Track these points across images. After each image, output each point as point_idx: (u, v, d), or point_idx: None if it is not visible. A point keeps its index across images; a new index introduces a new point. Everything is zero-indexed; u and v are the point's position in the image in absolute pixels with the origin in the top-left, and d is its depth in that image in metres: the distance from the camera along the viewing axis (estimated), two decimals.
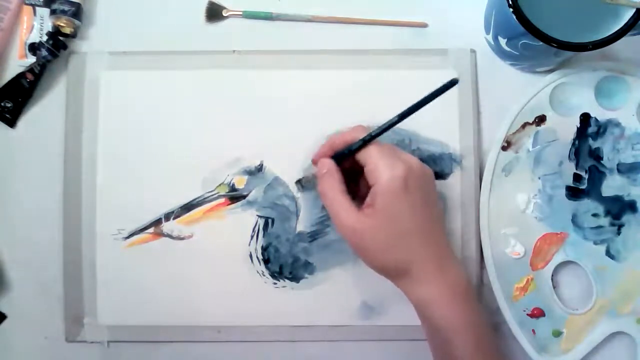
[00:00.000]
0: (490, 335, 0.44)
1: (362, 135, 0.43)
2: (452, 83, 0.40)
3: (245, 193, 0.51)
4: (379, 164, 0.41)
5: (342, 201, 0.42)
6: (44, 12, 0.52)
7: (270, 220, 0.51)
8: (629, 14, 0.43)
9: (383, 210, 0.41)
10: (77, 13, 0.51)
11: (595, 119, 0.51)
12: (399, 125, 0.51)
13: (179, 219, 0.51)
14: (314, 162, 0.46)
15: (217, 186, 0.51)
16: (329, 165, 0.44)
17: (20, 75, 0.51)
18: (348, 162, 0.44)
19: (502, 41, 0.49)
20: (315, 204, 0.51)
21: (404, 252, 0.41)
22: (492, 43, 0.51)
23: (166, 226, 0.51)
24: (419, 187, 0.41)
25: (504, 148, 0.51)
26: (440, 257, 0.42)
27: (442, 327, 0.41)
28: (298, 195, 0.51)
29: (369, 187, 0.43)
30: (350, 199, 0.42)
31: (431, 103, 0.51)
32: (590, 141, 0.51)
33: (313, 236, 0.51)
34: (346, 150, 0.43)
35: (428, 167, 0.44)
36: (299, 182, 0.49)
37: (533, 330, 0.50)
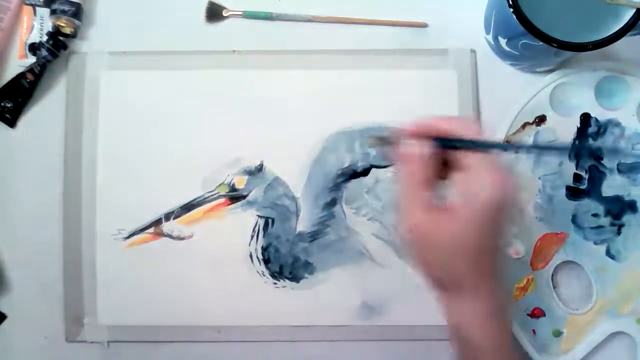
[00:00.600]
0: (519, 355, 0.43)
1: (473, 130, 0.38)
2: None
3: (245, 193, 0.51)
4: (486, 178, 0.36)
5: (418, 194, 0.38)
6: (44, 12, 0.52)
7: (270, 220, 0.51)
8: (629, 14, 0.43)
9: (471, 221, 0.37)
10: (77, 13, 0.51)
11: (596, 119, 0.51)
12: (400, 125, 0.51)
13: (179, 219, 0.51)
14: (405, 132, 0.40)
15: (217, 186, 0.51)
16: (426, 149, 0.38)
17: (20, 75, 0.51)
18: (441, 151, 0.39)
19: (502, 41, 0.49)
20: (315, 204, 0.51)
21: (468, 266, 0.38)
22: (492, 43, 0.51)
23: (166, 226, 0.51)
24: (507, 211, 0.38)
25: None
26: (490, 277, 0.39)
27: (482, 346, 0.39)
28: (298, 195, 0.51)
29: (441, 180, 0.39)
30: (427, 194, 0.38)
31: (431, 103, 0.51)
32: (591, 141, 0.51)
33: (313, 236, 0.51)
34: (457, 143, 0.38)
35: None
36: (379, 138, 0.42)
37: (533, 330, 0.50)
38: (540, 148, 0.38)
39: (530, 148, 0.39)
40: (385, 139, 0.41)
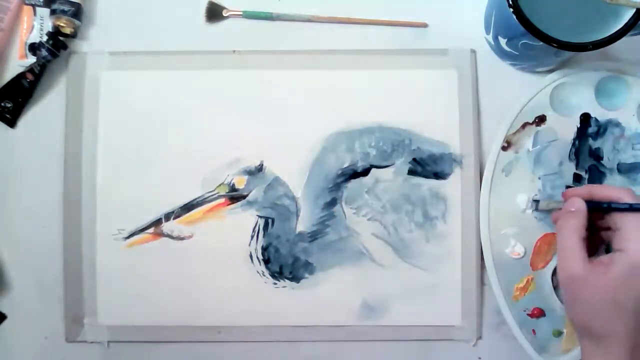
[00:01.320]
0: None
1: (627, 197, 0.43)
2: None
3: (245, 193, 0.51)
4: (635, 235, 0.41)
5: (579, 246, 0.42)
6: (44, 12, 0.52)
7: (270, 221, 0.51)
8: (629, 14, 0.43)
9: (617, 279, 0.41)
10: (77, 13, 0.51)
11: (596, 119, 0.51)
12: (400, 125, 0.51)
13: (179, 219, 0.51)
14: (566, 196, 0.46)
15: (217, 186, 0.51)
16: (579, 205, 0.44)
17: (20, 75, 0.51)
18: (595, 215, 0.44)
19: (502, 41, 0.49)
20: (315, 204, 0.51)
21: (611, 323, 0.41)
22: (492, 43, 0.51)
23: (166, 226, 0.51)
24: None
25: (504, 148, 0.51)
26: (636, 335, 0.41)
27: None
28: (298, 195, 0.51)
29: (596, 243, 0.44)
30: (584, 247, 0.42)
31: (431, 103, 0.51)
32: (591, 141, 0.51)
33: (313, 236, 0.51)
34: (605, 205, 0.43)
35: None
36: (537, 201, 0.49)
37: (533, 330, 0.50)
38: None
39: None
40: (544, 203, 0.49)
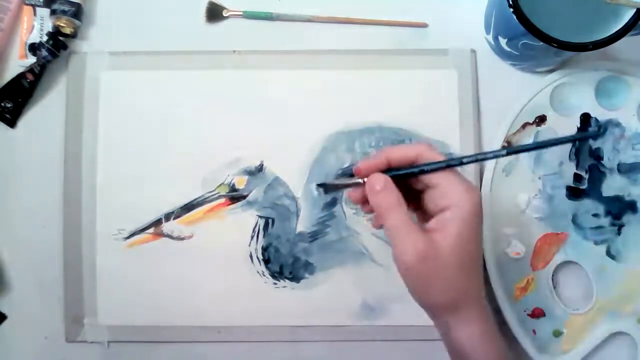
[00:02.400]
0: None
1: (428, 153, 0.38)
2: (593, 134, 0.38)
3: (245, 193, 0.51)
4: (456, 189, 0.37)
5: (407, 222, 0.37)
6: (44, 12, 0.52)
7: (270, 221, 0.51)
8: (629, 14, 0.43)
9: (457, 237, 0.37)
10: (77, 13, 0.51)
11: (596, 119, 0.51)
12: (400, 125, 0.51)
13: (179, 219, 0.51)
14: (359, 172, 0.40)
15: (217, 186, 0.51)
16: (385, 181, 0.38)
17: (21, 76, 0.51)
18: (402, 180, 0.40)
19: (503, 41, 0.49)
20: (315, 204, 0.51)
21: (462, 285, 0.38)
22: (493, 43, 0.51)
23: (166, 226, 0.51)
24: (481, 218, 0.38)
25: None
26: (482, 295, 0.39)
27: None
28: (298, 195, 0.51)
29: (416, 208, 0.40)
30: (413, 221, 0.38)
31: (431, 103, 0.51)
32: (591, 141, 0.51)
33: (313, 236, 0.51)
34: (416, 170, 0.39)
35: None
36: (322, 185, 0.42)
37: (533, 330, 0.50)
38: (478, 159, 0.39)
39: (509, 150, 0.40)
40: (330, 184, 0.43)
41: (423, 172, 0.38)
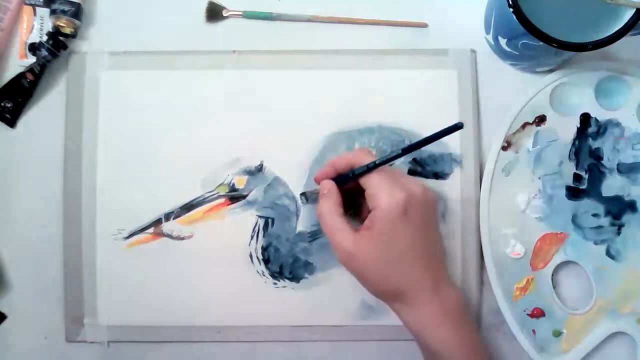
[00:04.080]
0: (486, 355, 0.44)
1: (366, 159, 0.43)
2: (457, 127, 0.40)
3: (245, 193, 0.51)
4: (378, 190, 0.42)
5: (339, 224, 0.42)
6: (44, 12, 0.52)
7: (270, 220, 0.51)
8: (629, 14, 0.43)
9: (380, 234, 0.41)
10: (77, 13, 0.51)
11: (595, 119, 0.51)
12: (400, 125, 0.51)
13: (179, 219, 0.51)
14: (316, 180, 0.46)
15: (217, 186, 0.51)
16: (329, 186, 0.44)
17: (20, 75, 0.51)
18: (351, 183, 0.44)
19: (502, 41, 0.49)
20: (315, 205, 0.51)
21: (398, 276, 0.42)
22: (492, 43, 0.51)
23: (166, 226, 0.51)
24: (418, 213, 0.42)
25: (504, 148, 0.51)
26: (435, 281, 0.42)
27: (437, 350, 0.41)
28: (301, 204, 0.51)
29: (369, 210, 0.43)
30: (346, 222, 0.43)
31: (431, 103, 0.52)
32: (590, 141, 0.51)
33: (313, 236, 0.51)
34: (350, 174, 0.44)
35: (431, 192, 0.44)
36: (303, 194, 0.48)
37: (533, 330, 0.50)
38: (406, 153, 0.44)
39: (407, 147, 0.43)
40: (309, 193, 0.47)
41: (354, 175, 0.43)
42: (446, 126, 0.41)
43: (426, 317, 0.42)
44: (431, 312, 0.42)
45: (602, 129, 0.51)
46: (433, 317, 0.42)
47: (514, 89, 0.52)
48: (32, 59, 0.51)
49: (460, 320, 0.42)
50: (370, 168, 0.43)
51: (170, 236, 0.51)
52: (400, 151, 0.43)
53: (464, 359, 0.41)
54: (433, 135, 0.42)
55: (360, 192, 0.44)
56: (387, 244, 0.41)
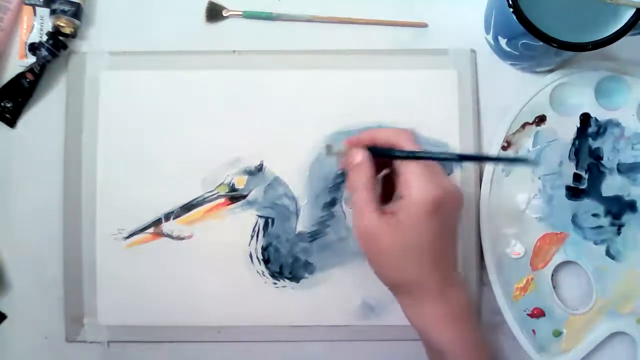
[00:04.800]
0: (489, 356, 0.44)
1: (407, 142, 0.42)
2: (526, 161, 0.41)
3: (245, 193, 0.51)
4: (414, 180, 0.40)
5: (368, 199, 0.41)
6: (44, 12, 0.52)
7: (270, 220, 0.51)
8: (629, 14, 0.43)
9: (405, 226, 0.40)
10: (77, 13, 0.51)
11: (595, 119, 0.51)
12: (400, 125, 0.51)
13: (179, 219, 0.51)
14: (350, 144, 0.44)
15: (217, 186, 0.51)
16: (363, 156, 0.42)
17: (20, 75, 0.51)
18: (381, 159, 0.43)
19: (502, 41, 0.49)
20: (315, 204, 0.51)
21: (413, 269, 0.41)
22: (492, 43, 0.51)
23: (166, 226, 0.51)
24: (446, 213, 0.41)
25: (504, 148, 0.51)
26: (445, 279, 0.41)
27: (441, 349, 0.41)
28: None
29: (391, 188, 0.42)
30: (377, 200, 0.41)
31: (431, 103, 0.51)
32: (590, 141, 0.51)
33: (313, 236, 0.51)
34: (389, 152, 0.42)
35: (463, 195, 0.43)
36: (329, 146, 0.45)
37: (533, 330, 0.50)
38: (466, 159, 0.44)
39: (467, 155, 0.44)
40: (335, 147, 0.45)
41: (393, 156, 0.42)
42: (518, 156, 0.42)
43: (433, 315, 0.41)
44: (438, 311, 0.41)
45: (602, 129, 0.51)
46: (439, 316, 0.41)
47: (514, 89, 0.52)
48: (32, 59, 0.51)
49: (465, 320, 0.42)
50: (412, 156, 0.41)
51: (170, 236, 0.51)
52: (457, 156, 0.41)
53: (466, 358, 0.41)
54: (499, 157, 0.43)
55: (386, 167, 0.43)
56: (409, 235, 0.40)
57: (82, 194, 0.51)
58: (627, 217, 0.50)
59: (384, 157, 0.42)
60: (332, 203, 0.51)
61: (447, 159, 0.41)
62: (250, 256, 0.51)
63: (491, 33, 0.50)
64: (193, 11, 0.53)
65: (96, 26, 0.53)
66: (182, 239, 0.51)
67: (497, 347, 0.51)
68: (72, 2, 0.51)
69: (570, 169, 0.51)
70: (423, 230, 0.40)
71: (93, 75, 0.52)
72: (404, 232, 0.40)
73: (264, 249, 0.51)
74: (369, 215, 0.41)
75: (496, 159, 0.40)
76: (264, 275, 0.51)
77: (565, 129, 0.51)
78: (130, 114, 0.52)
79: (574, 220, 0.50)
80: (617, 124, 0.51)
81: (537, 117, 0.51)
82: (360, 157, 0.42)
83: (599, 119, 0.51)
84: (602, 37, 0.44)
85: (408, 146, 0.42)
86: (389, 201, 0.44)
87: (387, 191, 0.44)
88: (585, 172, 0.51)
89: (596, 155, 0.51)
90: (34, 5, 0.52)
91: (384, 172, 0.44)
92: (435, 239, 0.40)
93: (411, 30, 0.53)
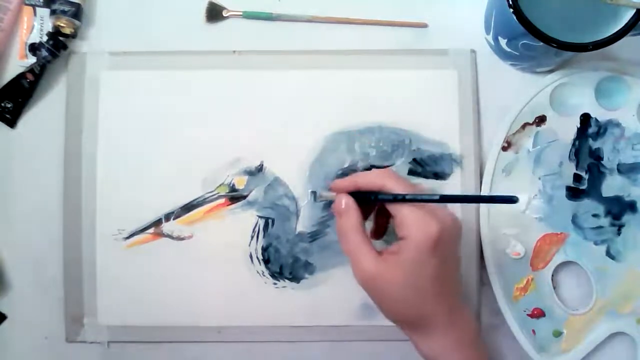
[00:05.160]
0: None
1: (390, 183, 0.41)
2: (511, 201, 0.40)
3: (245, 193, 0.51)
4: (410, 221, 0.40)
5: (362, 243, 0.41)
6: (44, 12, 0.52)
7: (270, 221, 0.51)
8: (629, 14, 0.43)
9: (408, 264, 0.40)
10: (77, 13, 0.51)
11: (596, 119, 0.51)
12: (400, 125, 0.51)
13: (179, 219, 0.51)
14: (334, 189, 0.44)
15: (217, 186, 0.51)
16: (348, 202, 0.42)
17: (21, 76, 0.51)
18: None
19: (503, 41, 0.49)
20: (315, 204, 0.51)
21: (420, 304, 0.41)
22: (492, 43, 0.51)
23: (166, 226, 0.51)
24: (448, 244, 0.41)
25: (504, 148, 0.51)
26: (452, 310, 0.42)
27: None
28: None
29: (384, 221, 0.43)
30: (370, 242, 0.41)
31: (431, 103, 0.52)
32: (591, 141, 0.51)
33: (313, 236, 0.51)
34: (372, 197, 0.42)
35: (459, 221, 0.43)
36: (314, 193, 0.48)
37: (533, 331, 0.50)
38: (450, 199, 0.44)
39: (448, 197, 0.44)
40: (320, 195, 0.45)
41: (378, 200, 0.42)
42: (502, 195, 0.42)
43: (442, 346, 0.41)
44: (445, 341, 0.41)
45: (602, 129, 0.51)
46: (447, 347, 0.41)
47: (514, 89, 0.52)
48: (32, 59, 0.51)
49: (473, 347, 0.42)
50: (397, 200, 0.41)
51: (170, 236, 0.51)
52: (438, 197, 0.41)
53: None
54: (481, 196, 0.43)
55: (376, 208, 0.44)
56: (412, 271, 0.40)
57: (82, 194, 0.51)
58: (627, 218, 0.50)
59: (365, 202, 0.43)
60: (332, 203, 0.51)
61: (431, 201, 0.41)
62: (251, 256, 0.51)
63: (491, 33, 0.50)
64: (193, 11, 0.53)
65: (96, 26, 0.53)
66: (183, 239, 0.51)
67: (497, 347, 0.51)
68: (72, 2, 0.51)
69: (570, 169, 0.51)
70: (427, 264, 0.40)
71: (93, 76, 0.52)
72: (407, 271, 0.40)
73: (264, 249, 0.51)
74: (365, 259, 0.41)
75: (479, 199, 0.41)
76: (264, 276, 0.51)
77: (566, 129, 0.51)
78: (130, 114, 0.52)
79: (574, 220, 0.50)
80: (618, 124, 0.51)
81: (537, 117, 0.51)
82: (344, 202, 0.42)
83: (599, 119, 0.51)
84: (602, 37, 0.44)
85: (393, 186, 0.41)
86: (383, 234, 0.46)
87: (380, 224, 0.45)
88: (586, 173, 0.51)
89: (596, 155, 0.51)
90: (34, 6, 0.52)
91: (374, 213, 0.45)
92: (439, 270, 0.40)
93: (411, 30, 0.53)
